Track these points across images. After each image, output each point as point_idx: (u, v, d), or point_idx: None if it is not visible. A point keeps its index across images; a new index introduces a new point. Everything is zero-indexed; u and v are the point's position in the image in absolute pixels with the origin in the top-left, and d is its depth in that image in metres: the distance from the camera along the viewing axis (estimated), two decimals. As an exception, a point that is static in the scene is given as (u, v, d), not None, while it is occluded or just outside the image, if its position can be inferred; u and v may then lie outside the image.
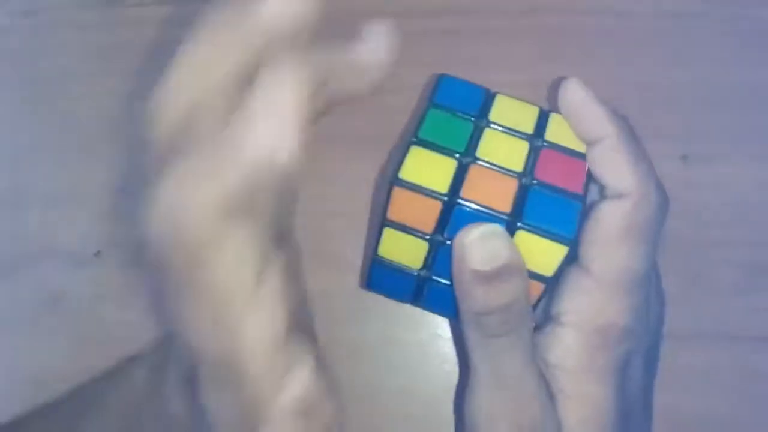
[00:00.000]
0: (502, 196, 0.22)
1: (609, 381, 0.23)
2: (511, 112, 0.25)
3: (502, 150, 0.23)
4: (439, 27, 0.37)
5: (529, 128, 0.24)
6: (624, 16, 0.37)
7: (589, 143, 0.24)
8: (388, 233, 0.24)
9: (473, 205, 0.22)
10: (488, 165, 0.23)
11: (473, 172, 0.23)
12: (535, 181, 0.23)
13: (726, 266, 0.33)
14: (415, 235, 0.23)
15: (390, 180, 0.22)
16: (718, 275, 0.33)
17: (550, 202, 0.23)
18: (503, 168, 0.23)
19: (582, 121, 0.24)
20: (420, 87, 0.31)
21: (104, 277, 0.34)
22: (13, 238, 0.35)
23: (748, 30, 0.37)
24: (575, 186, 0.23)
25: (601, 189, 0.24)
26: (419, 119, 0.24)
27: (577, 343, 0.23)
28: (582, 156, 0.24)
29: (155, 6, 0.38)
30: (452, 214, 0.22)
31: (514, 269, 0.22)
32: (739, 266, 0.33)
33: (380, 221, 0.24)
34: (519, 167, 0.23)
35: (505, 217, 0.22)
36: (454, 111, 0.24)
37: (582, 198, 0.23)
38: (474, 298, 0.22)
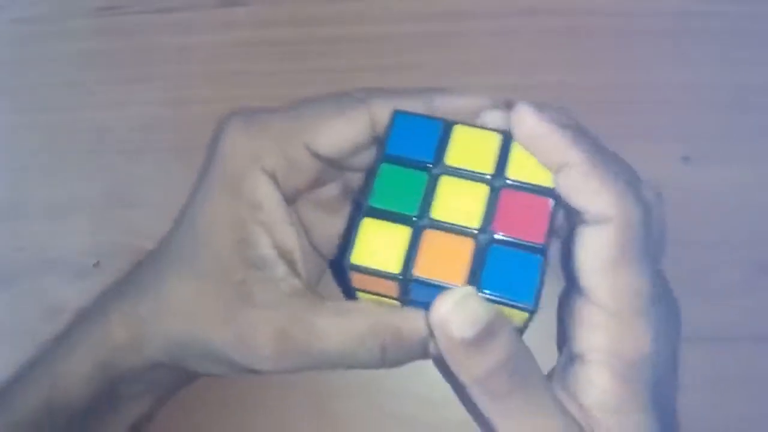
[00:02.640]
0: (457, 265, 0.22)
1: (648, 406, 0.22)
2: (471, 146, 0.24)
3: (459, 200, 0.23)
4: (434, 30, 0.37)
5: (488, 165, 0.23)
6: (624, 17, 0.37)
7: (556, 171, 0.23)
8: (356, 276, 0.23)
9: (428, 281, 0.22)
10: (443, 226, 0.23)
11: (427, 238, 0.22)
12: (493, 237, 0.22)
13: (728, 267, 0.33)
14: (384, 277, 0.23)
15: (344, 262, 0.22)
16: (719, 276, 0.33)
17: (510, 261, 0.22)
18: (459, 226, 0.23)
19: (541, 152, 0.23)
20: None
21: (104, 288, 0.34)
22: (11, 250, 0.35)
23: (751, 30, 0.37)
24: (537, 233, 0.22)
25: (578, 214, 0.23)
26: (370, 177, 0.24)
27: (610, 381, 0.22)
28: (546, 191, 0.23)
29: (150, 14, 0.38)
30: (410, 288, 0.22)
31: (498, 323, 0.21)
32: (741, 266, 0.33)
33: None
34: (476, 221, 0.23)
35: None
36: (407, 161, 0.24)
37: (543, 249, 0.22)
38: (472, 366, 0.21)
